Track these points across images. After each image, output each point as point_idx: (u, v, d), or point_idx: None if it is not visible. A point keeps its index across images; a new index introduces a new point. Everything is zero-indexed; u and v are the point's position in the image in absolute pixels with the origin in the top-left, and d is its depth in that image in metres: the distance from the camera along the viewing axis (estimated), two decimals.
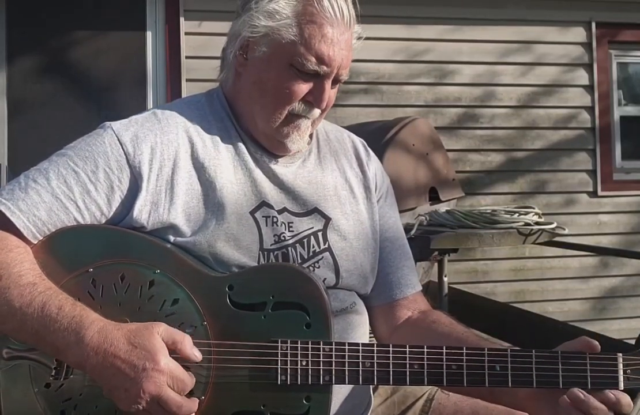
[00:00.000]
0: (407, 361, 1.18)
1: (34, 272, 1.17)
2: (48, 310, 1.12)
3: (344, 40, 1.31)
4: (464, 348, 1.19)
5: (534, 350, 1.18)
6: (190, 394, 1.14)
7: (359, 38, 1.38)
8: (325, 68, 1.30)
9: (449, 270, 3.42)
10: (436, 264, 3.37)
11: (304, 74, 1.30)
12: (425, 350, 1.18)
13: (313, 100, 1.33)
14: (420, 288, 1.50)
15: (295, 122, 1.34)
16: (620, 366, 1.17)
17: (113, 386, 1.10)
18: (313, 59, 1.28)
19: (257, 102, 1.34)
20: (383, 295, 1.45)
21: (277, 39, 1.29)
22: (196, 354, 1.15)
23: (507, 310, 3.87)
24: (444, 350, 1.18)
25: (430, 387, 1.49)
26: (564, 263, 4.92)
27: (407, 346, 1.19)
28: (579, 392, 1.14)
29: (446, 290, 3.29)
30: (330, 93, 1.35)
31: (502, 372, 1.18)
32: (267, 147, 1.37)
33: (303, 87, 1.31)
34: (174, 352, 1.13)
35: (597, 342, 1.19)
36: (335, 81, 1.35)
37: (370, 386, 1.42)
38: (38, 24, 4.33)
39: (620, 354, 1.17)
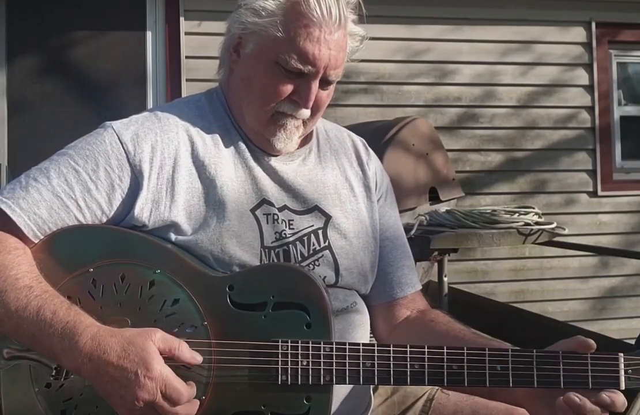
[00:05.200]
0: (408, 361, 1.18)
1: (32, 274, 1.17)
2: (43, 315, 1.12)
3: (332, 40, 1.29)
4: (465, 348, 1.19)
5: (534, 350, 1.18)
6: None
7: (362, 39, 1.37)
8: (310, 67, 1.28)
9: (449, 270, 3.41)
10: (436, 264, 3.36)
11: (289, 72, 1.29)
12: (426, 350, 1.18)
13: (298, 99, 1.31)
14: (420, 287, 1.50)
15: (281, 121, 1.33)
16: (622, 366, 1.16)
17: (108, 392, 1.10)
18: (298, 58, 1.27)
19: (244, 98, 1.35)
20: (383, 294, 1.45)
21: (264, 37, 1.29)
22: (196, 357, 1.15)
23: (507, 310, 3.86)
24: (445, 350, 1.18)
25: (430, 387, 1.49)
26: (564, 263, 4.91)
27: (408, 346, 1.19)
28: (575, 397, 1.14)
29: (446, 290, 3.28)
30: (322, 94, 1.34)
31: (503, 372, 1.17)
32: (257, 144, 1.36)
33: (288, 86, 1.30)
34: (171, 359, 1.12)
35: (592, 341, 1.19)
36: (325, 82, 1.33)
37: (371, 386, 1.42)
38: (38, 24, 4.33)
39: (622, 354, 1.17)
